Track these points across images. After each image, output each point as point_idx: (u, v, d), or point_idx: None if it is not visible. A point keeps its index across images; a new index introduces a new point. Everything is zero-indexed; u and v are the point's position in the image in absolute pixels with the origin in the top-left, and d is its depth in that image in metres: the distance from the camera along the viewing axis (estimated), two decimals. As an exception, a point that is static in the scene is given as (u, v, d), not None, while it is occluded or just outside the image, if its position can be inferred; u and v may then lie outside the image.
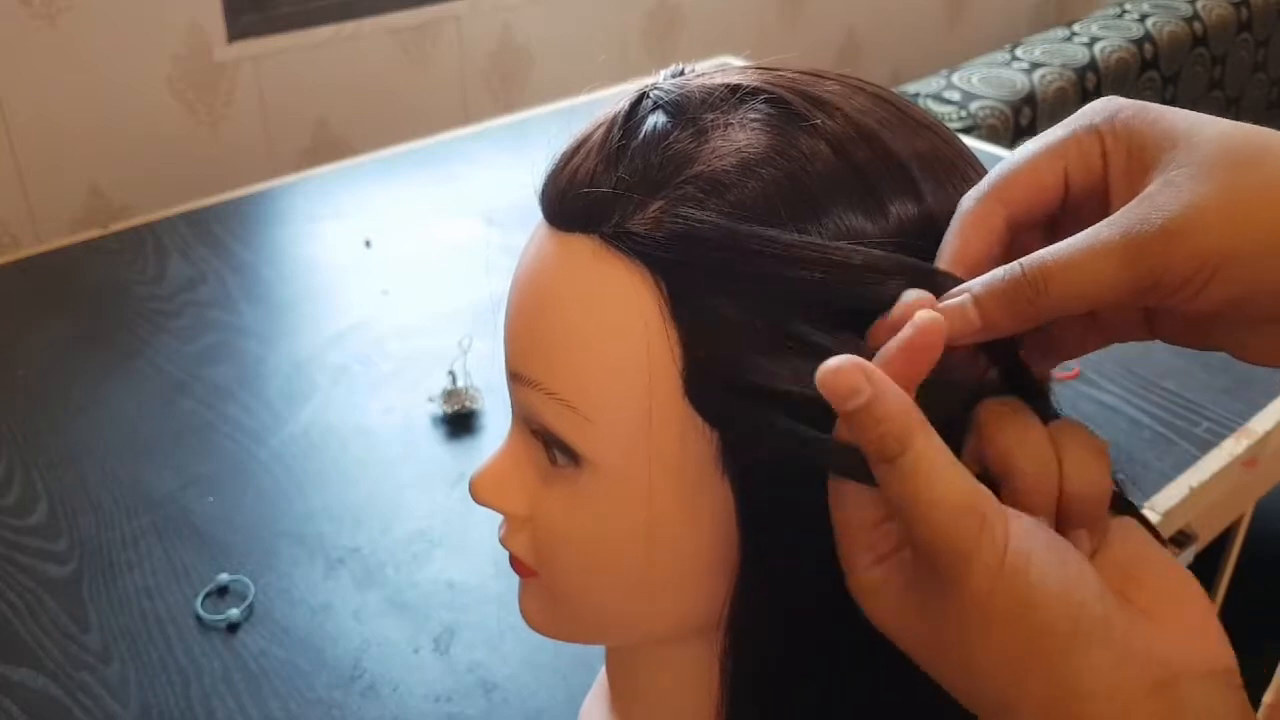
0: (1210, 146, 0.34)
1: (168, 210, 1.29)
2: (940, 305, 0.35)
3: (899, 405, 0.32)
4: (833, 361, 0.32)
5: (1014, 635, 0.32)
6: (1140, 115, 0.36)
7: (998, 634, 0.32)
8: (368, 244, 1.24)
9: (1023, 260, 0.35)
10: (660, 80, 0.43)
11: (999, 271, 0.35)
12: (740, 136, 0.39)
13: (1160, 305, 0.35)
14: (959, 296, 0.35)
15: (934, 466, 0.32)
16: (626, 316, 0.40)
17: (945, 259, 0.37)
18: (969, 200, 0.37)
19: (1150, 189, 0.34)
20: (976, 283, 0.35)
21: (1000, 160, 0.39)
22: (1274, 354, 0.36)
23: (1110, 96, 0.37)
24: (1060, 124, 0.37)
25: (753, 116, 0.40)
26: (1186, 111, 0.36)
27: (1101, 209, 0.36)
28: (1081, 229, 0.35)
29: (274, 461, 0.93)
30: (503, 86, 1.98)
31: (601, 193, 0.40)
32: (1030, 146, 0.37)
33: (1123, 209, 0.34)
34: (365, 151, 1.47)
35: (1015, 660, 0.32)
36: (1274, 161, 0.33)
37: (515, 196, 1.29)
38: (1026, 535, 0.32)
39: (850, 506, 0.36)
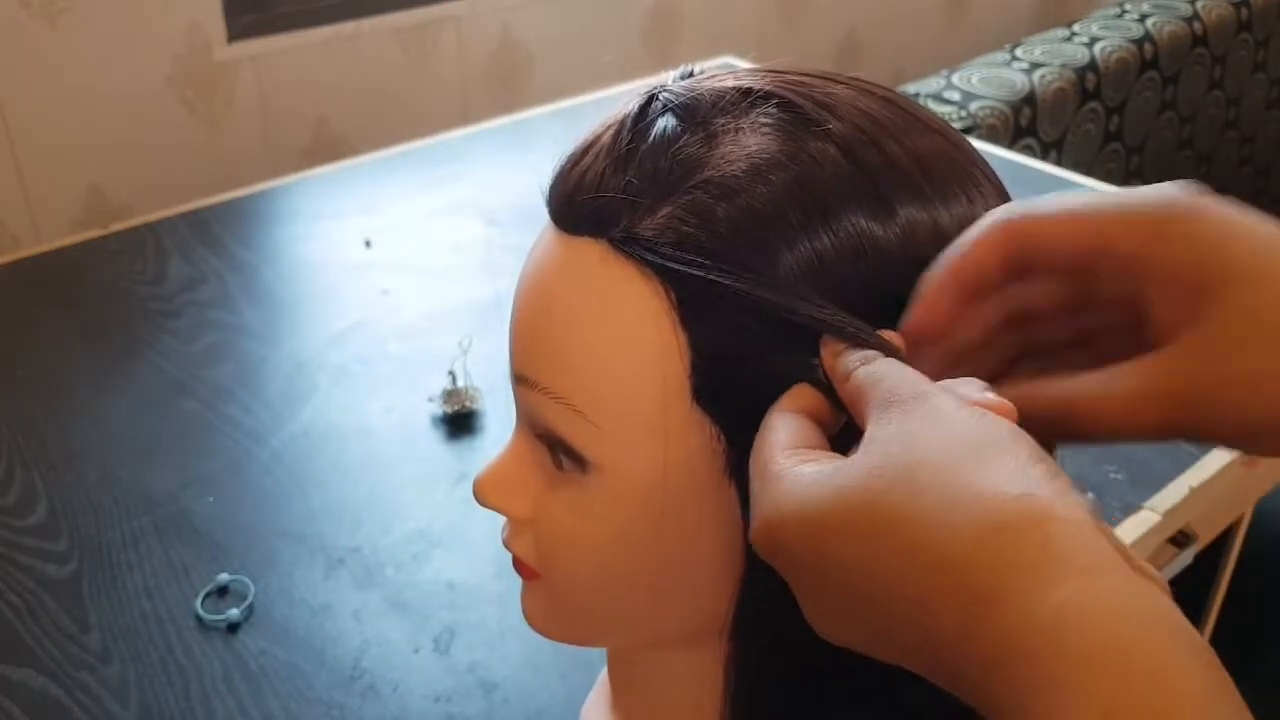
0: (1264, 309, 0.32)
1: (168, 210, 1.29)
2: (991, 399, 0.34)
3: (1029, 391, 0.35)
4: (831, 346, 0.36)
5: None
6: (1204, 223, 0.33)
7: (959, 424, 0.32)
8: (368, 244, 1.23)
9: (1047, 387, 0.35)
10: (669, 82, 0.43)
11: (1038, 398, 0.35)
12: (750, 141, 0.39)
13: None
14: (1001, 401, 0.34)
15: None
16: (634, 321, 0.40)
17: (941, 268, 0.37)
18: (986, 220, 0.37)
19: (1199, 338, 0.33)
20: (1019, 399, 0.34)
21: (997, 168, 0.39)
22: None
23: (1182, 185, 0.34)
24: (1114, 191, 0.35)
25: (763, 120, 0.40)
26: (1254, 236, 0.33)
27: (1114, 313, 0.35)
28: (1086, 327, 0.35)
29: (274, 461, 0.93)
30: (503, 86, 1.97)
31: (610, 197, 0.40)
32: (1072, 199, 0.35)
33: (1168, 356, 0.33)
34: (365, 151, 1.47)
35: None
36: None
37: (515, 197, 1.30)
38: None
39: (775, 432, 0.36)
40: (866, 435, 0.33)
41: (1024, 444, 0.31)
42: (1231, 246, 0.33)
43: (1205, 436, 0.34)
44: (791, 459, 0.34)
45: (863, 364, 0.35)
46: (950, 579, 0.29)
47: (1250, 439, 0.33)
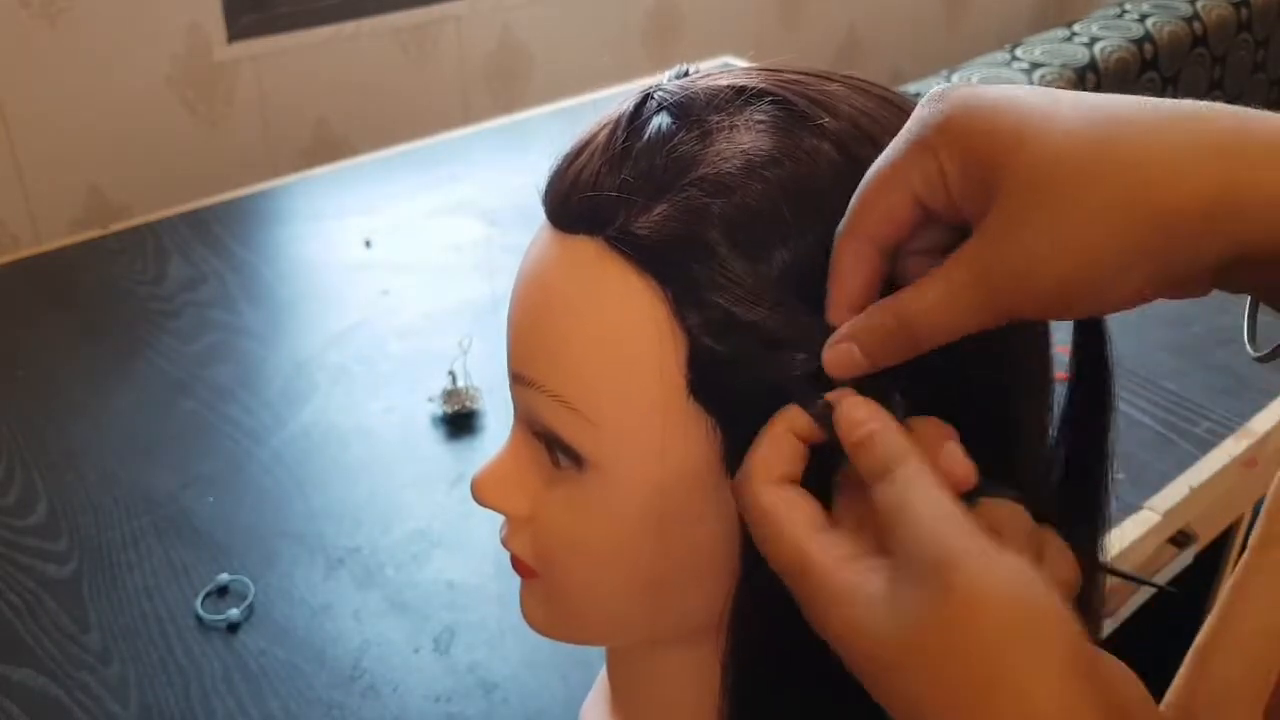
0: (1042, 166, 0.33)
1: (168, 210, 1.29)
2: (828, 349, 0.37)
3: (896, 436, 0.35)
4: (845, 400, 0.37)
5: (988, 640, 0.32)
6: (970, 121, 0.34)
7: (978, 631, 0.32)
8: (368, 244, 1.23)
9: (895, 305, 0.36)
10: (664, 81, 0.43)
11: (875, 316, 0.36)
12: (745, 138, 0.39)
13: None
14: (844, 343, 0.37)
15: (924, 482, 0.34)
16: (631, 318, 0.40)
17: (830, 308, 0.38)
18: (837, 239, 0.37)
19: (989, 221, 0.34)
20: (858, 325, 0.37)
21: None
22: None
23: (942, 90, 0.36)
24: (903, 131, 0.36)
25: (758, 118, 0.40)
26: (1025, 103, 0.34)
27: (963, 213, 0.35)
28: (959, 225, 0.35)
29: (274, 461, 0.93)
30: (503, 86, 1.97)
31: (606, 195, 0.40)
32: (875, 168, 0.37)
33: (970, 244, 0.34)
34: (365, 151, 1.47)
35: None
36: (1108, 181, 0.32)
37: (515, 196, 1.30)
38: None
39: (790, 517, 0.36)
40: (901, 589, 0.33)
41: (1054, 643, 0.32)
42: (996, 124, 0.34)
43: (1030, 312, 0.34)
44: (830, 554, 0.35)
45: (883, 482, 0.35)
46: None
47: (1065, 301, 0.33)
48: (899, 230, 0.36)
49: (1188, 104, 0.34)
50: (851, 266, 0.37)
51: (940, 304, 0.35)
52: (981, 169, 0.34)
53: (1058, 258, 0.33)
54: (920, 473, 0.34)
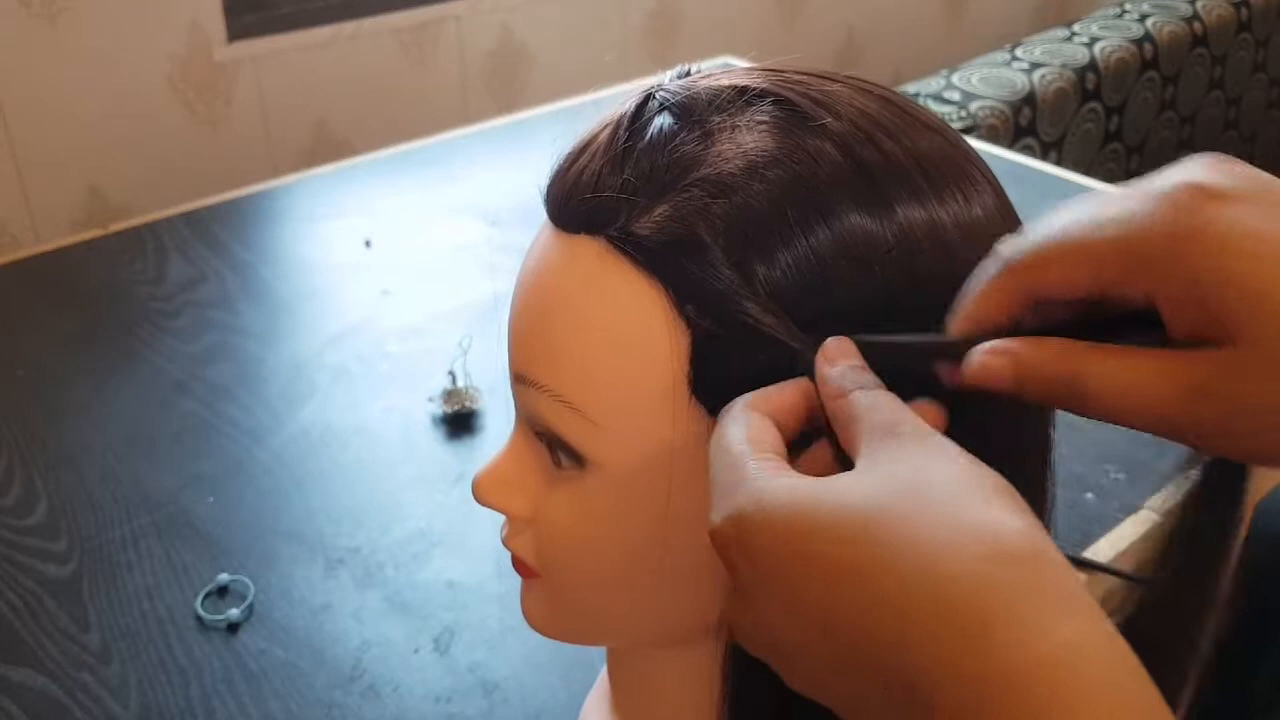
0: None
1: (168, 210, 1.29)
2: (985, 358, 0.35)
3: (1048, 350, 0.35)
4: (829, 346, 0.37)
5: None
6: (1208, 256, 0.32)
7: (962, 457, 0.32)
8: (368, 244, 1.24)
9: (1069, 349, 0.34)
10: (666, 81, 0.43)
11: (1050, 355, 0.35)
12: (747, 139, 0.39)
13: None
14: (1003, 356, 0.35)
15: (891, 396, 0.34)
16: (632, 319, 0.40)
17: (959, 317, 0.37)
18: (998, 265, 0.36)
19: (1212, 363, 0.32)
20: (1026, 351, 0.35)
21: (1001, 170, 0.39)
22: None
23: (1187, 191, 0.33)
24: (1119, 204, 0.34)
25: (759, 119, 0.40)
26: (1265, 256, 0.32)
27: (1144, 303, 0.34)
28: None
29: (274, 461, 0.93)
30: (503, 86, 1.98)
31: (607, 195, 0.40)
32: (1075, 233, 0.34)
33: (1204, 353, 0.32)
34: (365, 151, 1.47)
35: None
36: None
37: (515, 196, 1.30)
38: None
39: (741, 435, 0.35)
40: (864, 457, 0.33)
41: (1016, 494, 0.31)
42: (1236, 273, 0.32)
43: (1204, 446, 0.34)
44: (765, 464, 0.33)
45: (860, 388, 0.35)
46: (948, 598, 0.28)
47: (1255, 459, 0.34)
48: (1063, 291, 0.35)
49: None
50: (996, 302, 0.36)
51: (1128, 395, 0.33)
52: (1210, 312, 0.32)
53: (1275, 430, 0.32)
54: (879, 384, 0.35)
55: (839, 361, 0.36)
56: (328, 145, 1.79)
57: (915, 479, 0.31)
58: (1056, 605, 0.28)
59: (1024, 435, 0.43)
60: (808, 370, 0.37)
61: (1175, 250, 0.32)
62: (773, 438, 0.35)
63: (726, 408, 0.37)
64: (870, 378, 0.36)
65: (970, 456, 0.32)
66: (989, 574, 0.28)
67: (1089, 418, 0.35)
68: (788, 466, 0.34)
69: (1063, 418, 0.45)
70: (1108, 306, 0.35)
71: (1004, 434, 0.41)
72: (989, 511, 0.30)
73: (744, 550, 0.32)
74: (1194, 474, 0.41)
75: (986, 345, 0.35)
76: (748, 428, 0.35)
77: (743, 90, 0.41)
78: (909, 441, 0.32)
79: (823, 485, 0.32)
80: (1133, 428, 0.35)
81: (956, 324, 0.37)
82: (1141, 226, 0.33)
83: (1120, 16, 2.11)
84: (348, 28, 1.76)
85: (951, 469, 0.31)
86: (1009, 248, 0.36)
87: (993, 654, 0.27)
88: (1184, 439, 0.34)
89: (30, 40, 1.48)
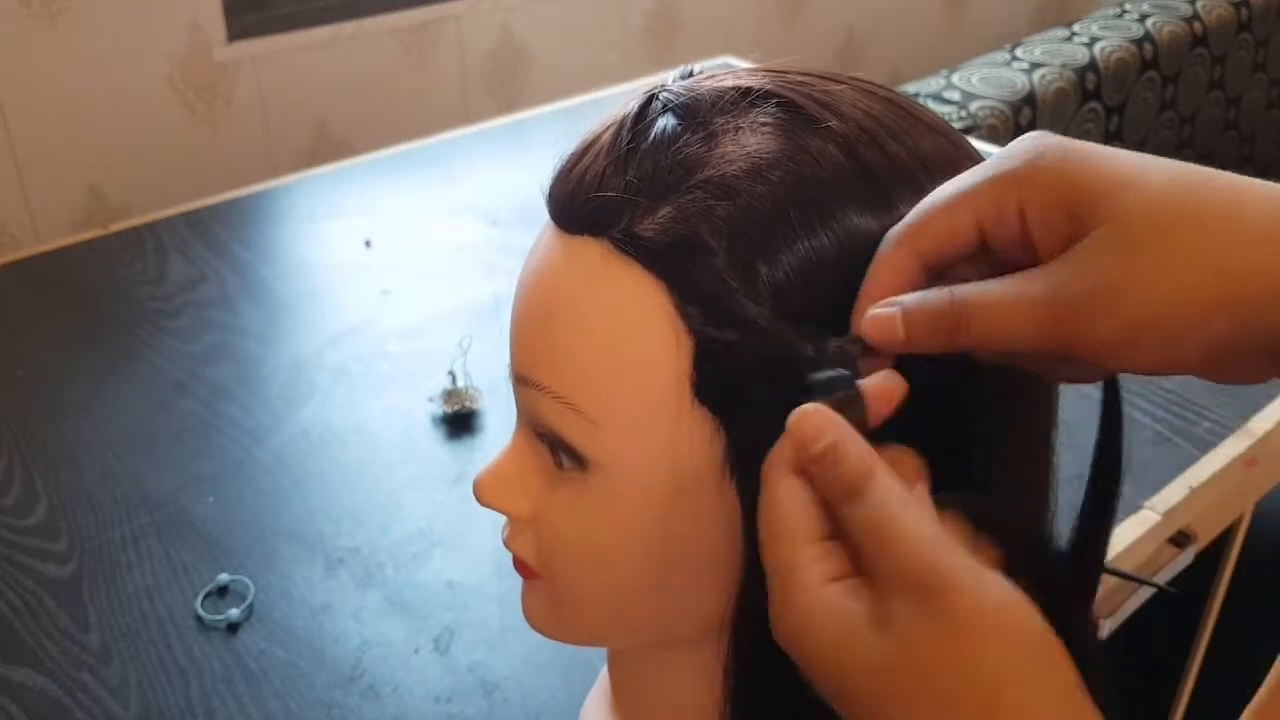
0: (1140, 212, 0.33)
1: (168, 210, 1.29)
2: (873, 311, 0.36)
3: (858, 449, 0.34)
4: (800, 410, 0.35)
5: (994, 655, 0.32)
6: (1067, 161, 0.35)
7: (981, 653, 0.32)
8: (368, 244, 1.24)
9: (955, 290, 0.36)
10: (669, 82, 0.43)
11: (932, 294, 0.36)
12: (750, 140, 0.39)
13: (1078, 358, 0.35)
14: (891, 307, 0.36)
15: (900, 500, 0.33)
16: (634, 320, 0.40)
17: (860, 305, 0.37)
18: (886, 244, 0.37)
19: (1076, 250, 0.34)
20: (910, 298, 0.36)
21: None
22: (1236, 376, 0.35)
23: (1037, 134, 0.37)
24: (982, 165, 0.37)
25: (763, 120, 0.40)
26: (1118, 157, 0.35)
27: (1026, 252, 0.36)
28: (1008, 265, 0.36)
29: (274, 461, 0.93)
30: (503, 86, 1.97)
31: (610, 196, 0.40)
32: (946, 190, 0.37)
33: (1052, 265, 0.34)
34: (365, 151, 1.47)
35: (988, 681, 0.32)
36: (1207, 229, 0.33)
37: (515, 196, 1.30)
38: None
39: (792, 517, 0.35)
40: (890, 610, 0.33)
41: (1057, 664, 0.32)
42: (1096, 166, 0.35)
43: (1080, 348, 0.34)
44: (815, 569, 0.34)
45: (854, 502, 0.34)
46: None
47: (1125, 350, 0.33)
48: (950, 251, 0.36)
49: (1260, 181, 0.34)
50: (890, 275, 0.37)
51: (1002, 305, 0.35)
52: (1073, 205, 0.34)
53: (1143, 294, 0.33)
54: (891, 488, 0.34)
55: (817, 447, 0.35)
56: (328, 145, 1.79)
57: (932, 674, 0.32)
58: None
59: (1025, 437, 0.43)
60: (809, 370, 0.37)
61: (1040, 164, 0.35)
62: (812, 517, 0.35)
63: (772, 459, 0.36)
64: (860, 474, 0.34)
65: (997, 626, 0.32)
66: None
67: (983, 360, 0.36)
68: (831, 555, 0.34)
69: (1063, 418, 0.45)
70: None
71: (1004, 437, 0.41)
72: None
73: (797, 654, 0.35)
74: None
75: (875, 305, 0.37)
76: (793, 513, 0.35)
77: (746, 91, 0.41)
78: (926, 612, 0.32)
79: (859, 632, 0.33)
80: (1021, 356, 0.36)
81: (858, 307, 0.37)
82: (1006, 157, 0.36)
83: (1120, 16, 2.11)
84: (348, 28, 1.76)
85: (967, 673, 0.32)
86: (895, 227, 0.38)
87: None
88: (1069, 349, 0.34)
89: (30, 40, 1.48)
